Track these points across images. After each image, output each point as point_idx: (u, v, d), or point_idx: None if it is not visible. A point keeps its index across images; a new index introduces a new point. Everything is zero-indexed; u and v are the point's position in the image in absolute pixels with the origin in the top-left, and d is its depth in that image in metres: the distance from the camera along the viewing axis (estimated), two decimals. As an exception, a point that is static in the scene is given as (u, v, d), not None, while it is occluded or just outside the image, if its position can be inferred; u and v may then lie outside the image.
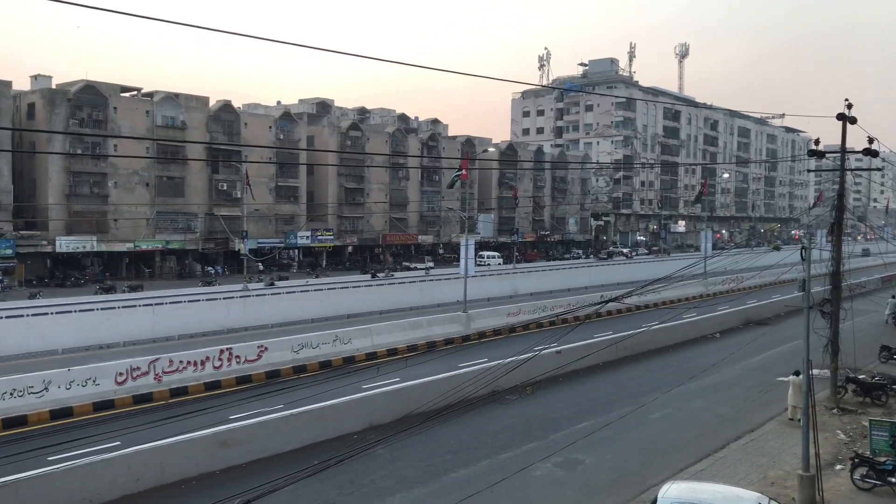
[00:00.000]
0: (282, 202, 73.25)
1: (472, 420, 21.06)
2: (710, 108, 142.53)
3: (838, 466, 17.45)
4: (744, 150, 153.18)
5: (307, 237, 74.39)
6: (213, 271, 65.78)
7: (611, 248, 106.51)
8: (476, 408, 20.96)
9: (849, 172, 24.60)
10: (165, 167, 64.68)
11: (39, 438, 18.76)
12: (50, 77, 62.05)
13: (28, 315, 34.46)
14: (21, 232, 56.48)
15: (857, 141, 36.58)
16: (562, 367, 25.79)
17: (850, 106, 23.10)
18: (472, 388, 18.99)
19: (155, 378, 24.24)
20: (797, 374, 20.93)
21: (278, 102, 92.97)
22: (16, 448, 17.25)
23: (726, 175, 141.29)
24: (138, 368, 23.98)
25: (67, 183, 59.08)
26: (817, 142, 23.32)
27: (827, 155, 23.51)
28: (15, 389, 21.26)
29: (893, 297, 40.90)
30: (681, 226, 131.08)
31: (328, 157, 75.31)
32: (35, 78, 62.24)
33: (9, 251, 54.24)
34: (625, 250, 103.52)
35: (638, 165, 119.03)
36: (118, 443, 17.31)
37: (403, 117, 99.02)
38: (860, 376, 23.80)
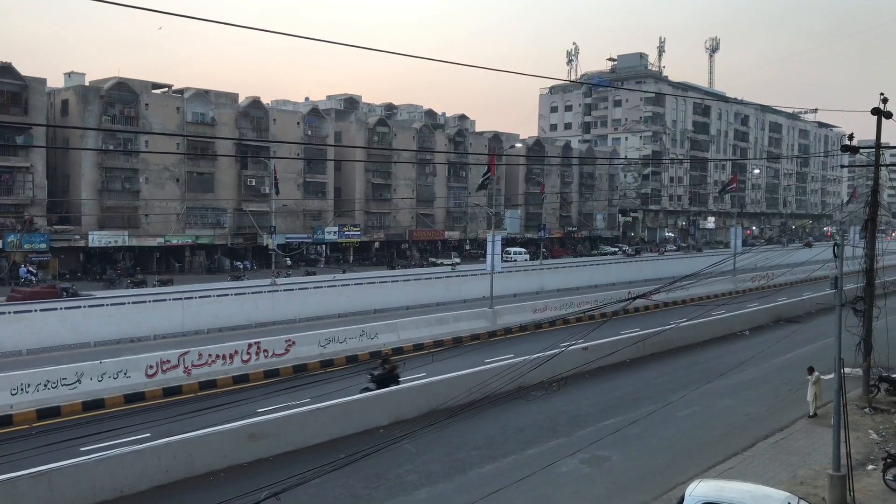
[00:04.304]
0: (310, 198, 73.74)
1: (498, 416, 21.05)
2: (741, 103, 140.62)
3: (870, 466, 17.16)
4: (775, 145, 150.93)
5: (334, 233, 74.82)
6: (241, 266, 66.45)
7: (638, 245, 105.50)
8: (502, 403, 20.94)
9: (883, 168, 24.16)
10: (195, 163, 65.43)
11: (72, 429, 19.11)
12: (83, 74, 63.11)
13: (61, 308, 35.12)
14: (55, 227, 57.54)
15: (892, 136, 35.82)
16: (588, 364, 25.68)
17: (885, 100, 22.67)
18: (498, 384, 18.99)
19: (185, 371, 24.58)
20: (810, 370, 21.70)
21: (306, 99, 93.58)
22: (50, 438, 17.60)
23: (757, 171, 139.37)
24: (168, 361, 24.33)
25: (100, 178, 60.03)
26: (851, 137, 22.90)
27: (861, 150, 23.11)
28: (49, 381, 21.69)
29: None
30: (710, 222, 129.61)
31: (356, 153, 75.68)
32: (69, 75, 63.36)
33: (43, 245, 55.28)
34: (629, 248, 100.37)
35: (667, 161, 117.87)
36: (149, 434, 17.59)
37: (431, 113, 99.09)
38: (893, 375, 23.39)
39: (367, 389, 21.34)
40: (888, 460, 15.95)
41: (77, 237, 58.09)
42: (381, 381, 21.82)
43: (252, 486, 13.57)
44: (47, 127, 57.01)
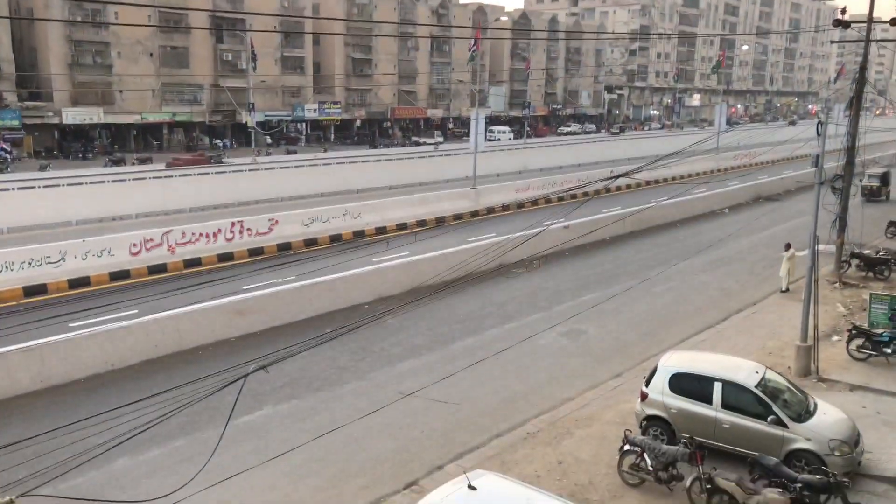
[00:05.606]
0: (288, 73, 71.65)
1: (480, 292, 21.52)
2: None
3: (835, 338, 17.87)
4: (765, 20, 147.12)
5: (314, 110, 73.31)
6: (220, 144, 65.44)
7: (621, 123, 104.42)
8: (483, 281, 21.34)
9: (873, 44, 23.72)
10: (169, 36, 62.92)
11: (60, 306, 19.37)
12: (43, -61, 59.31)
13: (40, 186, 34.73)
14: (26, 103, 55.84)
15: (885, 10, 34.90)
16: (569, 242, 26.02)
17: (881, -29, 21.96)
18: (480, 262, 19.26)
19: (168, 249, 24.68)
20: (788, 247, 22.29)
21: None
22: (38, 315, 17.83)
23: (745, 47, 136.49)
24: (152, 240, 24.39)
25: (69, 52, 57.75)
26: (844, 11, 22.34)
27: (852, 25, 22.58)
28: (33, 259, 21.74)
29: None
30: (696, 100, 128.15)
31: (334, 26, 72.95)
32: (28, -60, 59.58)
33: (15, 122, 53.86)
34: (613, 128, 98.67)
35: (655, 36, 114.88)
36: (136, 311, 17.85)
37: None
38: (865, 251, 23.93)
39: None
40: (852, 332, 16.61)
41: (50, 114, 56.55)
42: None
43: (240, 359, 13.87)
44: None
